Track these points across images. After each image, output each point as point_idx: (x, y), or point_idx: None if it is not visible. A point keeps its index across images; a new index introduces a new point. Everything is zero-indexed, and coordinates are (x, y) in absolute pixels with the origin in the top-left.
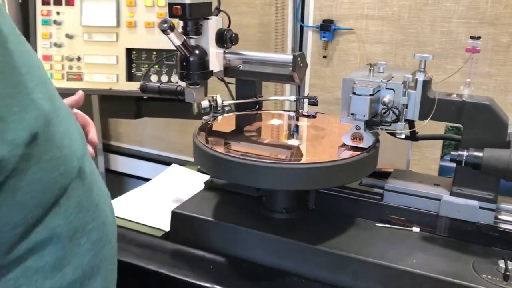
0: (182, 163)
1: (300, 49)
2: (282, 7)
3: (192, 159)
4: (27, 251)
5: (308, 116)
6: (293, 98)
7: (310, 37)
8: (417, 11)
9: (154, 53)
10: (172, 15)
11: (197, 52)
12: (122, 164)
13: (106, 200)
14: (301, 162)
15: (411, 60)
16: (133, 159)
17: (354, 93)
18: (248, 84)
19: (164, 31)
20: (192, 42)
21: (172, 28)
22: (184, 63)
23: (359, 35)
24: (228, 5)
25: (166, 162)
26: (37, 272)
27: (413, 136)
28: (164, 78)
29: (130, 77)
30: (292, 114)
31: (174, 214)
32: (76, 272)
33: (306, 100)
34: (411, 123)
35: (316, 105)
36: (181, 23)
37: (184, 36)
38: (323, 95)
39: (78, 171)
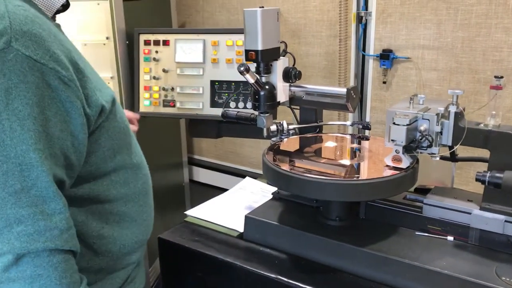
0: (254, 175)
1: (362, 75)
2: (345, 38)
3: (261, 171)
4: (112, 169)
5: (361, 139)
6: (349, 123)
7: (371, 65)
8: (469, 42)
9: (233, 84)
10: (247, 58)
11: (267, 87)
12: (203, 175)
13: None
14: (349, 178)
15: (464, 85)
16: (212, 171)
17: (393, 123)
18: (310, 110)
19: (241, 73)
20: (263, 79)
21: (247, 70)
22: (257, 96)
23: (415, 63)
24: (297, 37)
25: (241, 174)
26: (116, 183)
27: (453, 158)
28: (241, 105)
29: (213, 104)
30: (348, 136)
31: (247, 218)
32: (132, 190)
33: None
34: (451, 147)
35: (369, 129)
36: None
37: (257, 75)
38: (383, 117)
39: (132, 134)
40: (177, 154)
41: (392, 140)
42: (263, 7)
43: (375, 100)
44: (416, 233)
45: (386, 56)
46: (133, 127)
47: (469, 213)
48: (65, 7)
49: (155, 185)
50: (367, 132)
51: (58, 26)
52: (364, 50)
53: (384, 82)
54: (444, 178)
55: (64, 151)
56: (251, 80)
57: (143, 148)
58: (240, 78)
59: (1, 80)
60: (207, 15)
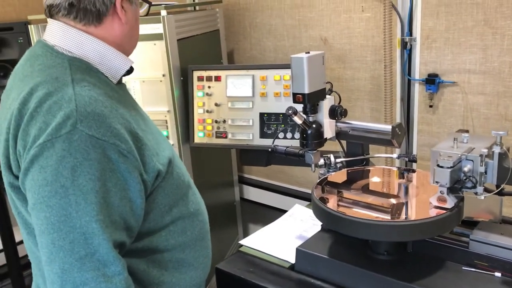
0: (302, 194)
1: (408, 98)
2: (390, 63)
3: (308, 190)
4: (170, 221)
5: (408, 171)
6: (395, 155)
7: (417, 89)
8: None
9: (281, 115)
10: (295, 101)
11: (314, 126)
12: (253, 193)
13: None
14: (395, 220)
15: None
16: (262, 190)
17: (438, 165)
18: (357, 144)
19: (289, 116)
20: (311, 118)
21: (295, 112)
22: (304, 135)
23: (462, 87)
24: (342, 61)
25: (289, 193)
26: (174, 233)
27: (500, 193)
28: (289, 135)
29: (262, 134)
30: (394, 169)
31: (298, 251)
32: (190, 236)
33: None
34: (497, 186)
35: (415, 162)
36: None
37: (304, 116)
38: (430, 139)
39: (188, 183)
40: (229, 173)
41: (437, 182)
42: (309, 52)
43: (422, 123)
44: (463, 268)
45: (432, 81)
46: None
47: None
48: (129, 71)
49: (209, 203)
50: (414, 164)
51: (123, 86)
52: (409, 74)
53: (431, 106)
54: (492, 209)
55: (123, 216)
56: (299, 121)
57: (197, 169)
58: None
59: (68, 159)
60: (254, 41)
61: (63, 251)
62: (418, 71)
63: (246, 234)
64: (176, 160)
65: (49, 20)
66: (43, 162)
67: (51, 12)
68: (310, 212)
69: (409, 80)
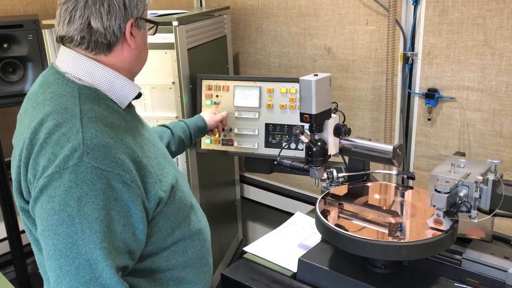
0: (301, 196)
1: (407, 110)
2: (392, 76)
3: (308, 193)
4: (171, 243)
5: (406, 188)
6: (394, 172)
7: (416, 102)
8: None
9: (286, 126)
10: (302, 120)
11: (319, 144)
12: (253, 193)
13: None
14: (393, 240)
15: (507, 127)
16: (262, 190)
17: (435, 190)
18: (358, 160)
19: (296, 135)
20: (316, 136)
21: (302, 132)
22: (310, 152)
23: (460, 103)
24: (345, 71)
25: (289, 194)
26: (176, 253)
27: (491, 213)
28: (293, 145)
29: (267, 144)
30: (393, 185)
31: (300, 261)
32: (191, 256)
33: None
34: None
35: (413, 179)
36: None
37: (310, 135)
38: (427, 151)
39: (191, 204)
40: (230, 172)
41: (434, 205)
42: (317, 75)
43: (420, 135)
44: (455, 284)
45: (431, 96)
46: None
47: (505, 271)
48: (137, 96)
49: (211, 201)
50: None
51: (131, 109)
52: (410, 87)
53: (429, 119)
54: (484, 226)
55: (126, 242)
56: (305, 140)
57: (201, 168)
58: (292, 121)
59: (75, 189)
60: (260, 46)
61: (69, 275)
62: (419, 85)
63: (245, 232)
64: (179, 183)
65: (61, 47)
66: (52, 192)
67: (63, 41)
68: (310, 220)
69: (409, 93)
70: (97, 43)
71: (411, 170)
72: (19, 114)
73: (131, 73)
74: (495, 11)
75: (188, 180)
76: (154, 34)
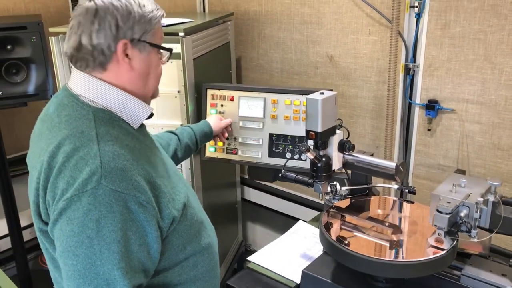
0: (300, 199)
1: (408, 120)
2: (393, 86)
3: (309, 197)
4: (183, 258)
5: (407, 202)
6: (396, 186)
7: (417, 112)
8: None
9: (290, 137)
10: (308, 137)
11: (324, 159)
12: (253, 195)
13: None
14: (395, 259)
15: (506, 140)
16: (262, 192)
17: (437, 210)
18: (361, 174)
19: (301, 152)
20: (321, 152)
21: (308, 149)
22: (314, 168)
23: (460, 115)
24: (347, 79)
25: (288, 197)
26: (187, 268)
27: (491, 231)
28: (296, 156)
29: (271, 154)
30: (395, 199)
31: (304, 274)
32: (201, 270)
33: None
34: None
35: (414, 193)
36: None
37: (315, 151)
38: (426, 160)
39: (201, 220)
40: (232, 175)
41: (435, 225)
42: (323, 93)
43: (420, 144)
44: None
45: (431, 107)
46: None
47: None
48: (149, 116)
49: (213, 203)
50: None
51: (143, 129)
52: (410, 98)
53: (429, 130)
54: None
55: (141, 261)
56: (311, 157)
57: (203, 170)
58: (296, 132)
59: (93, 212)
60: (262, 52)
61: None
62: (419, 96)
63: (245, 233)
64: (190, 200)
65: (73, 69)
66: (71, 215)
67: (71, 61)
68: (312, 229)
69: (409, 103)
70: (84, 60)
71: (410, 177)
72: (33, 135)
73: (137, 95)
74: (496, 27)
75: (191, 182)
76: (165, 61)
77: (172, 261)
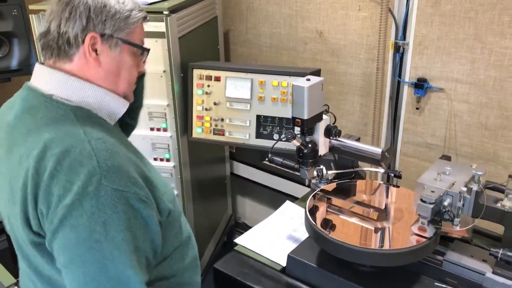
0: (288, 174)
1: (396, 98)
2: (383, 63)
3: (297, 172)
4: (171, 251)
5: (393, 186)
6: (382, 170)
7: (406, 90)
8: (501, 81)
9: (277, 119)
10: (294, 124)
11: (310, 146)
12: (242, 170)
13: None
14: (378, 248)
15: (493, 120)
16: (250, 167)
17: (421, 200)
18: (347, 158)
19: (288, 140)
20: (307, 139)
21: (294, 137)
22: (301, 154)
23: (448, 94)
24: (336, 55)
25: (276, 172)
26: (175, 260)
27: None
28: (284, 138)
29: (258, 135)
30: (381, 183)
31: (289, 258)
32: (187, 261)
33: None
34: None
35: (400, 177)
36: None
37: (301, 138)
38: (414, 138)
39: (180, 211)
40: (220, 150)
41: (419, 215)
42: (309, 79)
43: (408, 122)
44: (435, 283)
45: (420, 86)
46: None
47: (483, 274)
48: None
49: (202, 178)
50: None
51: (116, 125)
52: (400, 76)
53: (417, 108)
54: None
55: (146, 256)
56: (297, 144)
57: (190, 146)
58: (283, 114)
59: (98, 214)
60: (250, 26)
61: None
62: (408, 74)
63: (235, 206)
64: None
65: (36, 65)
66: (74, 222)
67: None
68: (299, 209)
69: (398, 81)
70: (49, 47)
71: (398, 155)
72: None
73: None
74: (488, 5)
75: (178, 157)
76: (143, 61)
77: (164, 254)
